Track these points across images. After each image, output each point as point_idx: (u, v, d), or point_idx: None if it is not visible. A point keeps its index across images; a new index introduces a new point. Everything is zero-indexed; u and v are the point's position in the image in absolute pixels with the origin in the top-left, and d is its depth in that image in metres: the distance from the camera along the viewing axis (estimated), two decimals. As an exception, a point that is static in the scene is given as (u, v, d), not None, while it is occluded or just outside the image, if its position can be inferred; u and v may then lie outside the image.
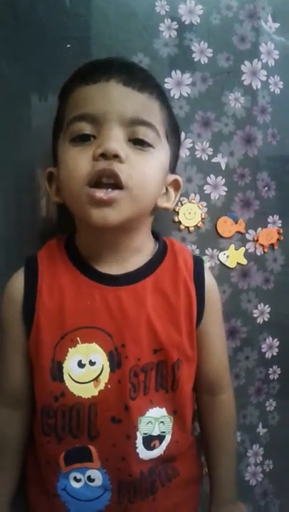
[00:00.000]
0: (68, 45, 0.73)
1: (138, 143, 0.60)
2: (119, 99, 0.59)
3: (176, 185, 0.69)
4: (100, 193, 0.58)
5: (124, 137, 0.59)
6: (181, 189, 0.70)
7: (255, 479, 0.92)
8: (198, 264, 0.70)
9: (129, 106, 0.59)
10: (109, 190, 0.58)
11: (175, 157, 0.70)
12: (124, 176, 0.58)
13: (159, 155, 0.63)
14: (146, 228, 0.68)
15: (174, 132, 0.68)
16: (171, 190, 0.69)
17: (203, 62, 0.79)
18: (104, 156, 0.57)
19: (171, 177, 0.68)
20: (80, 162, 0.59)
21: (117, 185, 0.58)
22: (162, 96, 0.65)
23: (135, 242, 0.66)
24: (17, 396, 0.68)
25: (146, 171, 0.60)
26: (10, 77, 0.73)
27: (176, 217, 0.81)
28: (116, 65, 0.62)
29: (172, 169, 0.70)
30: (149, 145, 0.61)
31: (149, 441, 0.64)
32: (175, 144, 0.69)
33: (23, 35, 0.72)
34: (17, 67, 0.73)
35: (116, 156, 0.57)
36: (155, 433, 0.64)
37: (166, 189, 0.68)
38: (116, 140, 0.58)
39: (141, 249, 0.67)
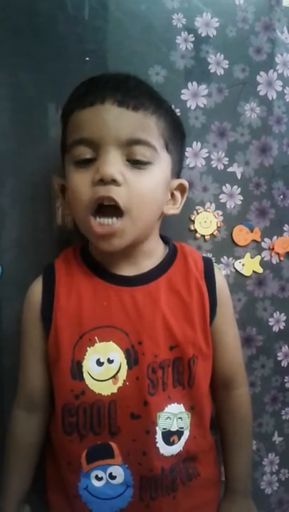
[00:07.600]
0: (87, 58, 0.76)
1: (136, 162, 0.63)
2: (114, 121, 0.62)
3: (181, 188, 0.73)
4: (101, 228, 0.62)
5: (122, 158, 0.62)
6: (187, 192, 0.73)
7: (271, 488, 0.92)
8: (207, 263, 0.74)
9: (125, 127, 0.62)
10: (109, 221, 0.62)
11: (179, 162, 0.73)
12: (123, 199, 0.62)
13: (159, 168, 0.65)
14: (154, 233, 0.72)
15: (174, 138, 0.69)
16: (178, 194, 0.72)
17: (219, 74, 0.81)
18: (102, 181, 0.61)
19: (176, 182, 0.72)
20: (82, 188, 0.63)
21: (117, 207, 0.62)
22: (160, 108, 0.66)
23: (145, 248, 0.70)
24: (35, 399, 0.71)
25: (145, 190, 0.64)
26: (28, 88, 0.76)
27: (192, 226, 0.82)
28: (110, 85, 0.63)
29: (177, 173, 0.73)
30: (147, 163, 0.64)
31: (169, 437, 0.67)
32: (177, 150, 0.71)
33: (41, 46, 0.76)
34: (35, 78, 0.76)
35: (114, 181, 0.61)
36: (174, 428, 0.67)
37: (172, 194, 0.71)
38: (113, 164, 0.61)
39: (152, 253, 0.72)
